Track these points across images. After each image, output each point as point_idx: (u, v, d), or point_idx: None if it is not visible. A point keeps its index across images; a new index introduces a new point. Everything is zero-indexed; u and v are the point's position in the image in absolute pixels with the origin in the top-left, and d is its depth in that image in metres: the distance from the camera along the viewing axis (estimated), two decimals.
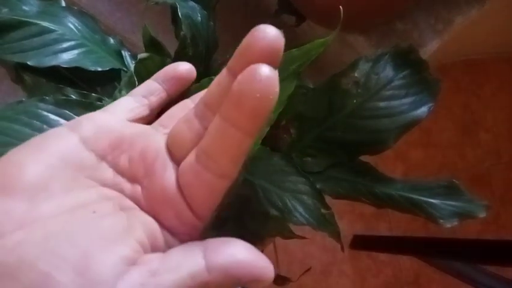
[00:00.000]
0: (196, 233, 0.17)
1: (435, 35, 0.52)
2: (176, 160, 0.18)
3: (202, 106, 0.18)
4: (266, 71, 0.14)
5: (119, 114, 0.20)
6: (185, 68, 0.22)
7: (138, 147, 0.18)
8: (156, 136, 0.19)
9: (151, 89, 0.21)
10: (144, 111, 0.21)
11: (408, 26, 0.52)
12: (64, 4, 0.44)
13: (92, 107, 0.38)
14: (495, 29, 1.02)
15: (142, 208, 0.17)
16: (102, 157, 0.17)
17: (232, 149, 0.15)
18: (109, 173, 0.17)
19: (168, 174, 0.17)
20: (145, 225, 0.16)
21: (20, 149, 0.16)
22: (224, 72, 0.17)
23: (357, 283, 1.07)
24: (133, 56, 0.45)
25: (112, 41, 0.44)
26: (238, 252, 0.14)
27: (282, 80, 0.30)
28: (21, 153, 0.16)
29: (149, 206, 0.17)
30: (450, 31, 0.52)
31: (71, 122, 0.18)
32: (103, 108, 0.20)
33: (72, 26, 0.42)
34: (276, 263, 0.65)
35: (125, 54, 0.45)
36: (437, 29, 0.52)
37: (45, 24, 0.40)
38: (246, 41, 0.15)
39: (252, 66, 0.14)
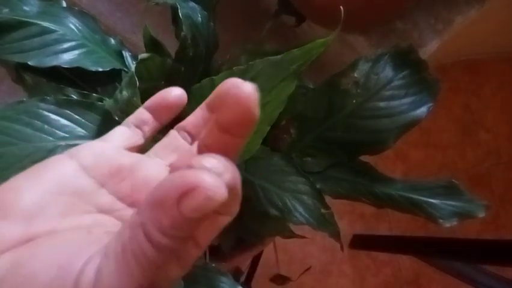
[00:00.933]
0: (192, 260, 0.17)
1: (435, 35, 0.52)
2: None
3: (202, 146, 0.18)
4: (249, 88, 0.15)
5: (116, 143, 0.20)
6: (175, 95, 0.22)
7: (140, 175, 0.19)
8: (155, 165, 0.20)
9: (144, 119, 0.22)
10: (139, 140, 0.21)
11: (408, 26, 0.52)
12: (64, 4, 0.44)
13: (93, 107, 0.38)
14: (495, 29, 1.02)
15: None
16: (102, 184, 0.18)
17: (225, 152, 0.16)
18: (108, 199, 0.18)
19: None
20: None
21: (21, 175, 0.17)
22: (205, 107, 0.20)
23: (357, 283, 1.07)
24: (134, 56, 0.45)
25: (112, 41, 0.45)
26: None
27: (283, 79, 0.30)
28: (21, 180, 0.17)
29: None
30: (450, 31, 0.52)
31: (71, 150, 0.19)
32: (100, 138, 0.21)
33: (73, 27, 0.42)
34: (276, 263, 0.66)
35: (126, 54, 0.45)
36: (437, 29, 0.52)
37: (45, 24, 0.40)
38: (226, 88, 0.17)
39: (235, 82, 0.16)
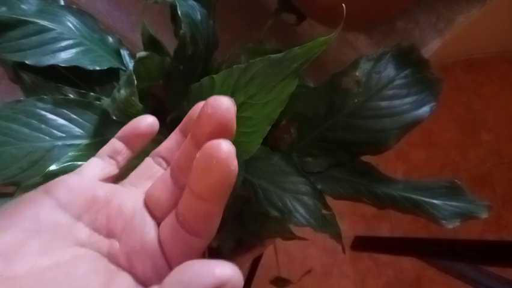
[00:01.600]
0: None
1: (437, 34, 0.52)
2: (155, 217, 0.19)
3: (176, 168, 0.19)
4: (225, 147, 0.15)
5: (91, 175, 0.21)
6: (146, 124, 0.22)
7: (115, 205, 0.19)
8: (129, 194, 0.20)
9: (117, 149, 0.22)
10: (113, 170, 0.22)
11: (410, 25, 0.52)
12: (62, 3, 0.43)
13: (90, 106, 0.38)
14: (496, 28, 1.01)
15: (118, 262, 0.18)
16: (78, 217, 0.18)
17: (201, 216, 0.17)
18: (85, 232, 0.18)
19: (148, 229, 0.18)
20: (119, 285, 0.17)
21: (3, 216, 0.17)
22: (178, 132, 0.21)
23: (358, 284, 1.07)
24: (132, 55, 0.45)
25: (110, 39, 0.44)
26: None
27: (284, 78, 0.29)
28: (2, 220, 0.17)
29: (127, 259, 0.18)
30: (451, 30, 0.52)
31: (45, 185, 0.19)
32: (74, 171, 0.21)
33: (71, 25, 0.42)
34: (276, 265, 0.65)
35: (124, 53, 0.44)
36: (438, 28, 0.52)
37: (43, 23, 0.40)
38: (199, 111, 0.17)
39: (211, 143, 0.15)
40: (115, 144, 0.22)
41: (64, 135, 0.37)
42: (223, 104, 0.17)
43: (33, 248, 0.16)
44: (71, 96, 0.40)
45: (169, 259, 0.18)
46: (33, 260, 0.16)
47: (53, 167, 0.33)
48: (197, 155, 0.15)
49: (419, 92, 0.39)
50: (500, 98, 1.21)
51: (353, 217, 1.08)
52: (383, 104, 0.39)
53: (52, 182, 0.19)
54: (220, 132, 0.16)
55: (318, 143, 0.42)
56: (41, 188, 0.19)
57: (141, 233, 0.18)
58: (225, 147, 0.15)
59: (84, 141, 0.37)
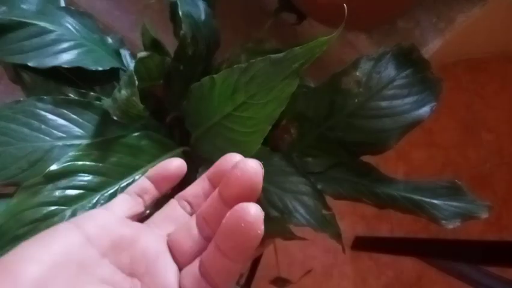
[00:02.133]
0: None
1: (437, 34, 0.52)
2: (176, 262, 0.20)
3: (201, 218, 0.20)
4: (253, 211, 0.16)
5: (118, 212, 0.22)
6: (175, 166, 0.23)
7: (139, 246, 0.20)
8: (154, 236, 0.21)
9: (145, 188, 0.23)
10: (140, 209, 0.23)
11: (410, 24, 0.52)
12: (62, 4, 0.43)
13: (90, 106, 0.38)
14: (497, 28, 1.01)
15: None
16: (104, 254, 0.19)
17: (224, 272, 0.18)
18: (109, 270, 0.19)
19: (169, 274, 0.19)
20: None
21: (30, 242, 0.18)
22: (205, 180, 0.22)
23: (359, 285, 1.07)
24: (132, 55, 0.45)
25: (110, 40, 0.44)
26: None
27: (285, 78, 0.29)
28: (30, 249, 0.18)
29: None
30: (452, 30, 0.52)
31: (76, 218, 0.20)
32: (103, 206, 0.22)
33: (70, 26, 0.42)
34: (276, 265, 0.65)
35: (125, 53, 0.44)
36: (439, 28, 0.52)
37: (44, 24, 0.40)
38: (227, 164, 0.20)
39: (241, 206, 0.16)
40: (144, 183, 0.23)
41: (64, 135, 0.37)
42: (252, 168, 0.18)
43: (59, 283, 0.17)
44: (72, 96, 0.40)
45: (209, 280, 0.18)
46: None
47: (53, 167, 0.33)
48: (227, 215, 0.17)
49: (419, 92, 0.39)
50: (501, 98, 1.21)
51: (353, 217, 1.08)
52: (384, 104, 0.39)
53: (83, 215, 0.20)
54: (247, 194, 0.18)
55: (319, 143, 0.41)
56: (72, 220, 0.20)
57: (163, 277, 0.19)
58: (254, 211, 0.16)
59: (84, 141, 0.37)
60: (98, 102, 0.38)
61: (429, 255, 0.89)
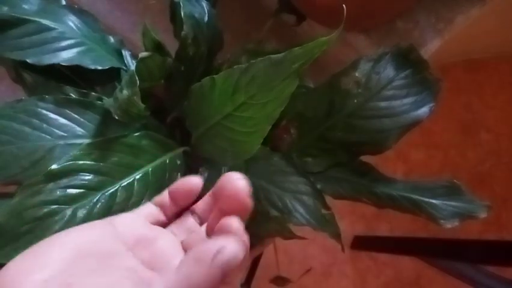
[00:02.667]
0: None
1: (436, 35, 0.52)
2: None
3: (209, 229, 0.24)
4: (235, 226, 0.21)
5: (143, 217, 0.25)
6: (193, 184, 0.26)
7: (159, 246, 0.23)
8: (171, 239, 0.25)
9: (166, 202, 0.27)
10: (161, 217, 0.26)
11: (409, 25, 0.52)
12: (64, 2, 0.44)
13: (92, 106, 0.38)
14: (496, 29, 1.02)
15: None
16: (129, 248, 0.22)
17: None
18: (133, 262, 0.22)
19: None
20: None
21: (62, 234, 0.21)
22: (211, 196, 0.26)
23: (358, 284, 1.07)
24: (133, 56, 0.45)
25: (112, 39, 0.44)
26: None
27: (284, 78, 0.30)
28: (64, 235, 0.21)
29: None
30: (451, 30, 0.52)
31: (110, 218, 0.24)
32: (132, 211, 0.26)
33: (72, 24, 0.42)
34: (276, 264, 0.65)
35: (125, 53, 0.44)
36: (438, 29, 0.52)
37: (44, 22, 0.40)
38: (226, 184, 0.23)
39: (225, 221, 0.21)
40: (165, 198, 0.27)
41: (65, 134, 0.37)
42: (240, 184, 0.23)
43: (89, 266, 0.19)
44: (73, 95, 0.40)
45: None
46: (87, 279, 0.19)
47: (54, 166, 0.33)
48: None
49: (418, 92, 0.39)
50: (499, 98, 1.21)
51: (352, 217, 1.08)
52: (383, 104, 0.39)
53: (115, 216, 0.24)
54: (238, 206, 0.22)
55: (318, 143, 0.42)
56: (106, 218, 0.24)
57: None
58: (235, 225, 0.21)
59: (85, 141, 0.37)
60: (99, 102, 0.38)
61: (428, 255, 0.90)
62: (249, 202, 0.22)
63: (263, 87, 0.31)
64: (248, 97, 0.32)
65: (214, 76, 0.33)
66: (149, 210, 0.26)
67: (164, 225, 0.27)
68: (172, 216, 0.27)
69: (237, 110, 0.33)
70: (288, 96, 0.30)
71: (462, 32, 0.54)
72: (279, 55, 0.29)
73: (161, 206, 0.27)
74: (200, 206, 0.27)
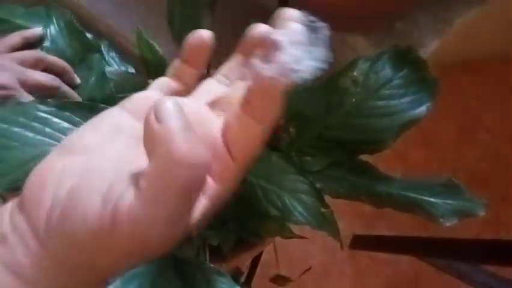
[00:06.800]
0: (230, 176, 0.20)
1: (435, 35, 0.52)
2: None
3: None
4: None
5: (156, 89, 0.23)
6: (198, 40, 0.23)
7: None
8: (193, 101, 0.22)
9: (179, 68, 0.24)
10: (179, 86, 0.24)
11: (408, 26, 0.52)
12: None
13: (94, 109, 0.38)
14: (494, 30, 1.02)
15: None
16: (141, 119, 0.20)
17: (267, 98, 0.18)
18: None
19: (210, 125, 0.20)
20: None
21: (84, 125, 0.21)
22: (239, 55, 0.24)
23: (357, 283, 1.07)
24: (131, 56, 0.45)
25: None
26: None
27: None
28: (83, 127, 0.21)
29: None
30: (449, 31, 0.52)
31: (122, 102, 0.22)
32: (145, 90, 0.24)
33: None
34: (276, 263, 0.66)
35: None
36: (436, 29, 0.52)
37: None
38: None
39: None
40: (176, 63, 0.24)
41: None
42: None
43: (109, 147, 0.20)
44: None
45: (231, 147, 0.20)
46: (108, 155, 0.19)
47: None
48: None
49: (416, 91, 0.39)
50: (497, 99, 1.21)
51: (351, 216, 1.08)
52: (381, 103, 0.39)
53: (125, 100, 0.22)
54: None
55: (317, 142, 0.42)
56: (118, 104, 0.22)
57: (203, 128, 0.20)
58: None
59: None
60: (101, 105, 0.38)
61: (427, 254, 0.90)
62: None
63: None
64: None
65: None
66: (161, 82, 0.24)
67: (183, 94, 0.24)
68: (192, 82, 0.24)
69: None
70: (283, 100, 0.30)
71: (461, 33, 0.54)
72: None
73: (176, 75, 0.24)
74: (225, 66, 0.24)
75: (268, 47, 0.18)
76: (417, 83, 0.39)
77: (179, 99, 0.21)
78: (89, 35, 0.47)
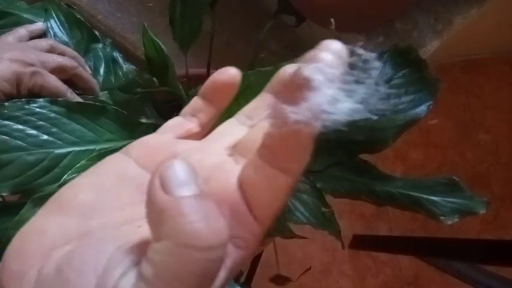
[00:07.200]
0: (253, 240, 0.16)
1: (435, 35, 0.52)
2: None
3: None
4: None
5: (169, 133, 0.20)
6: (225, 77, 0.20)
7: (195, 158, 0.18)
8: (211, 148, 0.19)
9: (198, 106, 0.21)
10: (194, 128, 0.21)
11: (408, 26, 0.53)
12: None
13: (104, 111, 0.37)
14: (494, 29, 1.02)
15: None
16: (149, 169, 0.18)
17: (292, 145, 0.15)
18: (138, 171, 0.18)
19: (227, 178, 0.16)
20: None
21: (81, 175, 0.18)
22: (267, 94, 0.20)
23: (357, 283, 1.07)
24: (132, 57, 0.45)
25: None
26: None
27: None
28: (80, 178, 0.18)
29: None
30: (450, 31, 0.53)
31: (126, 147, 0.19)
32: (154, 132, 0.21)
33: None
34: (276, 263, 0.66)
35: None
36: (436, 29, 0.52)
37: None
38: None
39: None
40: (195, 102, 0.21)
41: (77, 140, 0.36)
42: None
43: (109, 204, 0.17)
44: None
45: (252, 205, 0.16)
46: (107, 217, 0.16)
47: (67, 177, 0.33)
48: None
49: (416, 91, 0.39)
50: (498, 98, 1.21)
51: (351, 216, 1.08)
52: None
53: (131, 143, 0.19)
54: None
55: (317, 141, 0.42)
56: (121, 150, 0.19)
57: (219, 182, 0.16)
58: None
59: (97, 147, 0.36)
60: (112, 107, 0.38)
61: (427, 254, 0.90)
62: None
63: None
64: (241, 107, 0.32)
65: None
66: (174, 123, 0.21)
67: (199, 136, 0.21)
68: (210, 123, 0.21)
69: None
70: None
71: (461, 32, 0.54)
72: (267, 68, 0.30)
73: (193, 115, 0.21)
74: (250, 105, 0.20)
75: (298, 86, 0.14)
76: (417, 83, 0.39)
77: (192, 149, 0.18)
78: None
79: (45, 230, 0.16)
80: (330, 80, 0.14)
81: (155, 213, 0.13)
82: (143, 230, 0.15)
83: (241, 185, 0.16)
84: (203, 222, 0.12)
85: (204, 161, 0.17)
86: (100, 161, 0.19)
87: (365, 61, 0.15)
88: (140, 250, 0.14)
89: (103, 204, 0.17)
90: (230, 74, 0.20)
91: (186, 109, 0.21)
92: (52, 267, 0.14)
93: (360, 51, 0.15)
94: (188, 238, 0.12)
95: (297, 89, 0.14)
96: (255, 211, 0.16)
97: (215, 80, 0.20)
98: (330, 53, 0.15)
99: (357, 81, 0.14)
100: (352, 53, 0.15)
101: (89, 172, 0.18)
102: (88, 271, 0.14)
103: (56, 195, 0.17)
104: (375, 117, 0.13)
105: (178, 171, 0.13)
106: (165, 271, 0.12)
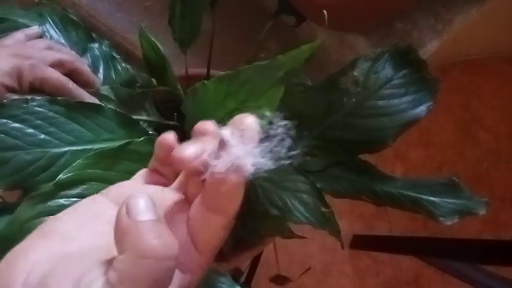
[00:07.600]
0: (197, 268, 0.21)
1: (435, 35, 0.52)
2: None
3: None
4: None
5: (139, 180, 0.24)
6: (168, 140, 0.23)
7: (158, 199, 0.21)
8: (170, 194, 0.22)
9: (155, 166, 0.25)
10: (160, 179, 0.24)
11: (408, 26, 0.53)
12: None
13: (101, 110, 0.38)
14: (495, 29, 1.02)
15: None
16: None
17: (208, 227, 0.20)
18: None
19: (182, 216, 0.21)
20: None
21: (64, 211, 0.21)
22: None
23: (357, 283, 1.07)
24: (131, 57, 0.45)
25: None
26: None
27: (272, 85, 0.30)
28: (63, 214, 0.21)
29: None
30: (450, 31, 0.53)
31: (105, 189, 0.23)
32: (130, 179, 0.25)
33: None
34: (276, 263, 0.66)
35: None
36: (436, 29, 0.52)
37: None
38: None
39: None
40: (152, 162, 0.25)
41: (75, 140, 0.36)
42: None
43: (85, 233, 0.20)
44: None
45: (197, 241, 0.20)
46: (83, 242, 0.19)
47: (62, 176, 0.33)
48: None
49: (416, 91, 0.39)
50: (498, 99, 1.21)
51: (351, 216, 1.08)
52: (381, 103, 0.39)
53: (110, 187, 0.23)
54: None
55: (317, 141, 0.42)
56: (101, 192, 0.23)
57: (174, 219, 0.21)
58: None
59: (95, 146, 0.36)
60: (109, 106, 0.38)
61: (427, 254, 0.90)
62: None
63: (253, 93, 0.31)
64: (239, 102, 0.32)
65: (205, 82, 0.34)
66: (143, 173, 0.25)
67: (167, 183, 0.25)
68: (173, 176, 0.25)
69: (229, 114, 0.33)
70: (278, 100, 0.31)
71: (461, 32, 0.54)
72: (264, 62, 0.30)
73: (154, 168, 0.25)
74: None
75: (219, 144, 0.19)
76: (417, 83, 0.39)
77: (155, 192, 0.22)
78: None
79: (28, 252, 0.19)
80: (243, 139, 0.18)
81: (121, 233, 0.17)
82: (112, 253, 0.18)
83: (188, 222, 0.21)
84: (157, 239, 0.16)
85: (165, 201, 0.21)
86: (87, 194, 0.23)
87: (277, 125, 0.19)
88: (108, 264, 0.17)
89: (81, 233, 0.20)
90: (166, 139, 0.23)
91: (150, 164, 0.25)
92: (36, 277, 0.17)
93: (275, 119, 0.19)
94: (145, 250, 0.16)
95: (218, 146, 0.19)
96: (197, 245, 0.21)
97: (157, 145, 0.24)
98: (244, 122, 0.19)
99: (267, 138, 0.19)
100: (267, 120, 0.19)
101: (71, 209, 0.22)
102: (67, 280, 0.17)
103: (41, 226, 0.20)
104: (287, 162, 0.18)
105: (140, 201, 0.17)
106: (126, 277, 0.16)
